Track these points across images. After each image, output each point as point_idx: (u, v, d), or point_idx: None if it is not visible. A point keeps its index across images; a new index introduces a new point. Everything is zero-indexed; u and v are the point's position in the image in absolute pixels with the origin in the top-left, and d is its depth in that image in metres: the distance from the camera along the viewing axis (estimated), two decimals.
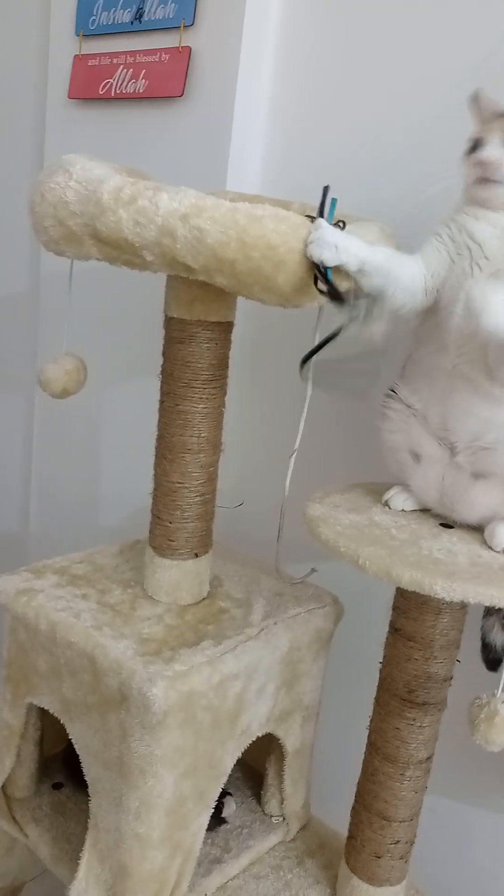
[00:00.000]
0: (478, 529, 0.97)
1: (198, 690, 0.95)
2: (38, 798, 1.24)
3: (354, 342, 0.92)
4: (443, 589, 0.82)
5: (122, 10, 1.45)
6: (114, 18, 1.47)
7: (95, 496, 1.74)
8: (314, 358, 0.96)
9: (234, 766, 1.07)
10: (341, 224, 0.89)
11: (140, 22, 1.43)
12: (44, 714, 1.15)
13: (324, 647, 1.17)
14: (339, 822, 1.18)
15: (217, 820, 1.19)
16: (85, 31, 1.52)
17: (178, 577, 1.12)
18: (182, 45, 1.36)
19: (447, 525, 0.99)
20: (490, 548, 0.93)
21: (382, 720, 1.02)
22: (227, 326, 1.06)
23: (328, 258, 0.84)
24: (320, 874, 1.16)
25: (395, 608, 1.01)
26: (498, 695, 0.91)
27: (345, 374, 1.23)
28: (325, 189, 0.89)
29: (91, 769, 1.04)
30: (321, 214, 0.88)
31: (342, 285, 0.87)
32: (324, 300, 0.88)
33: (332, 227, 0.86)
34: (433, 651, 0.98)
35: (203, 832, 1.06)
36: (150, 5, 1.40)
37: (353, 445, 1.29)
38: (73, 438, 1.76)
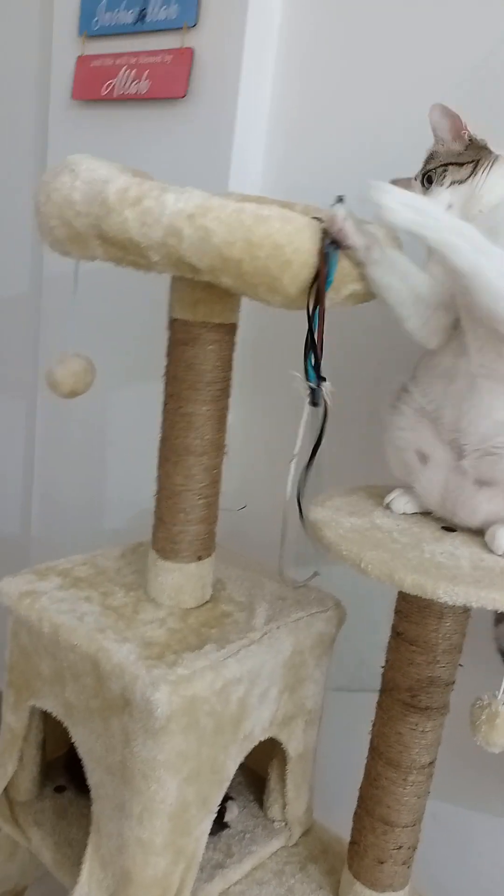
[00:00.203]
0: (480, 533, 0.96)
1: (201, 695, 0.95)
2: (41, 802, 1.24)
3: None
4: (445, 593, 0.82)
5: (124, 11, 1.45)
6: (117, 19, 1.47)
7: (98, 498, 1.74)
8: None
9: (237, 770, 1.06)
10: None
11: (143, 23, 1.42)
12: (46, 717, 1.15)
13: (326, 651, 1.16)
14: (341, 827, 1.18)
15: (219, 825, 1.18)
16: (88, 31, 1.52)
17: (180, 581, 1.11)
18: (185, 46, 1.36)
19: (449, 528, 0.99)
20: (492, 551, 0.92)
21: (385, 724, 1.02)
22: (231, 328, 1.05)
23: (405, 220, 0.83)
24: (323, 879, 1.15)
25: (397, 612, 1.00)
26: (499, 696, 0.90)
27: None
28: (340, 199, 0.90)
29: (93, 774, 1.03)
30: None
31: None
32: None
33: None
34: (436, 655, 0.97)
35: (206, 838, 1.05)
36: (153, 6, 1.39)
37: (356, 448, 1.29)
38: (75, 440, 1.75)
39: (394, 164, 1.20)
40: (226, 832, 1.20)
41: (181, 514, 1.09)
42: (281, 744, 1.15)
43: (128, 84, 1.47)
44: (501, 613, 1.10)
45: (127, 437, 1.65)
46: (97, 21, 1.50)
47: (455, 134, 0.94)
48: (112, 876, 1.01)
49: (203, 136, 1.37)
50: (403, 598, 0.99)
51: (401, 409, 1.01)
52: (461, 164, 0.92)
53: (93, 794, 1.04)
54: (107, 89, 1.50)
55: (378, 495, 1.05)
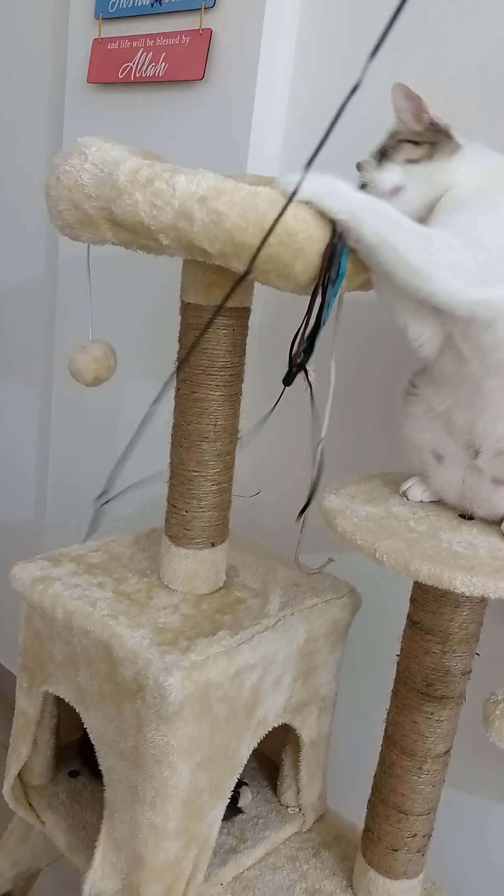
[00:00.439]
0: (498, 522, 0.95)
1: (214, 681, 0.95)
2: (55, 786, 1.24)
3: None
4: (463, 584, 0.81)
5: None
6: (134, 1, 1.45)
7: (111, 485, 1.73)
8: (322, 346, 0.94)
9: (250, 756, 1.06)
10: None
11: (160, 4, 1.41)
12: (60, 702, 1.15)
13: (341, 638, 1.16)
14: (355, 814, 1.18)
15: (233, 810, 1.18)
16: (104, 14, 1.50)
17: (194, 567, 1.11)
18: (202, 27, 1.35)
19: (466, 516, 0.97)
20: None
21: (400, 713, 1.01)
22: (245, 312, 1.04)
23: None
24: (336, 866, 1.15)
25: (413, 601, 0.99)
26: None
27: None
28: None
29: (106, 759, 1.04)
30: None
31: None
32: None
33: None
34: (452, 644, 0.96)
35: (218, 823, 1.05)
36: None
37: (371, 435, 1.27)
38: (89, 426, 1.75)
39: None
40: (239, 817, 1.20)
41: (194, 500, 1.09)
42: (295, 730, 1.15)
43: (145, 67, 1.45)
44: None
45: (139, 423, 1.64)
46: (114, 3, 1.48)
47: (417, 116, 0.91)
48: (125, 860, 1.02)
49: (221, 118, 1.36)
50: (419, 586, 0.98)
51: (412, 411, 0.99)
52: (417, 143, 0.90)
53: (105, 779, 1.04)
54: (123, 72, 1.49)
55: (394, 483, 1.04)
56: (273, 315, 1.32)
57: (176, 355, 1.06)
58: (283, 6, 1.28)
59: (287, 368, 0.93)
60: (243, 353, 1.06)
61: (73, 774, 1.27)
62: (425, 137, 0.90)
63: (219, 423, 1.06)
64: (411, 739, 1.00)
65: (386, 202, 0.84)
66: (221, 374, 1.04)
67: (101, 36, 1.52)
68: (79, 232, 0.94)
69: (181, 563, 1.11)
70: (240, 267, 0.87)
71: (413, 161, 0.89)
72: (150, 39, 1.44)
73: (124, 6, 1.47)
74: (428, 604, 0.96)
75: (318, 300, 0.87)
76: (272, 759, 1.29)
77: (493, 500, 0.94)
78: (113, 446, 1.71)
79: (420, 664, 0.98)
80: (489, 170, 0.89)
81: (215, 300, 1.00)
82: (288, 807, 1.24)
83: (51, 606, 1.05)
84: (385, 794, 1.04)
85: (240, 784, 1.17)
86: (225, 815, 1.06)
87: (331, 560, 1.16)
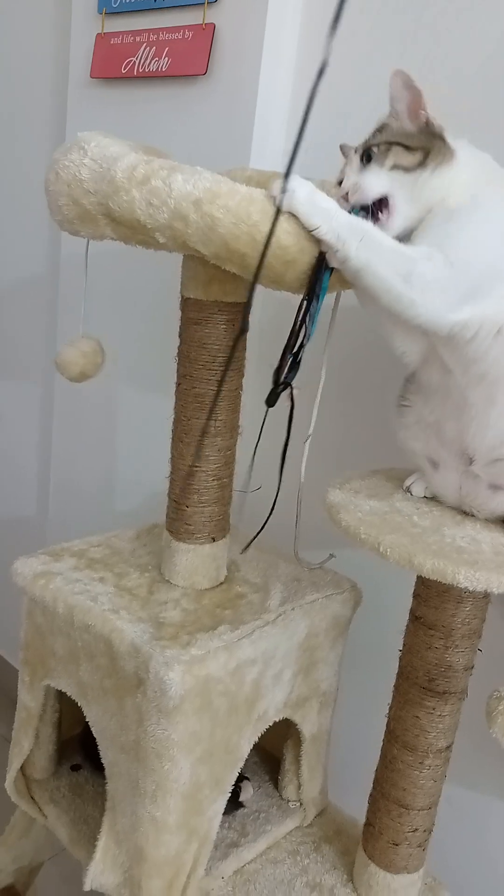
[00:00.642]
0: (502, 518, 0.95)
1: (214, 675, 0.95)
2: (57, 779, 1.25)
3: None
4: (466, 578, 0.81)
5: None
6: None
7: (112, 480, 1.74)
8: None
9: (251, 750, 1.06)
10: None
11: None
12: (61, 696, 1.15)
13: (342, 633, 1.16)
14: (356, 809, 1.18)
15: (234, 804, 1.18)
16: (108, 9, 1.50)
17: (195, 562, 1.11)
18: (206, 22, 1.34)
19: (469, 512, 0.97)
20: None
21: (402, 708, 1.01)
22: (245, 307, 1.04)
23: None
24: (337, 860, 1.15)
25: (415, 596, 0.99)
26: None
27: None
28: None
29: (108, 752, 1.04)
30: None
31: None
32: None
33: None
34: (454, 640, 0.96)
35: (219, 818, 1.06)
36: None
37: (374, 430, 1.27)
38: (91, 422, 1.75)
39: None
40: (240, 811, 1.20)
41: (195, 495, 1.09)
42: (296, 725, 1.15)
43: (148, 62, 1.45)
44: None
45: (140, 419, 1.64)
46: None
47: (412, 111, 0.85)
48: (126, 853, 1.02)
49: (224, 113, 1.36)
50: (422, 581, 0.98)
51: (404, 421, 0.99)
52: (409, 149, 0.84)
53: (107, 772, 1.04)
54: (126, 67, 1.48)
55: (398, 478, 1.04)
56: (273, 311, 1.31)
57: (177, 350, 1.06)
58: (286, 1, 1.28)
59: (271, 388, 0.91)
60: (244, 349, 1.06)
61: (74, 768, 1.27)
62: (419, 142, 0.85)
63: (219, 418, 1.06)
64: (413, 734, 1.00)
65: (371, 223, 0.83)
66: (221, 369, 1.03)
67: (104, 31, 1.52)
68: (78, 227, 0.93)
69: (182, 557, 1.11)
70: (233, 269, 0.87)
71: (403, 168, 0.85)
72: (153, 34, 1.43)
73: (127, 1, 1.47)
74: (431, 599, 0.96)
75: (307, 309, 0.87)
76: (273, 753, 1.29)
77: (491, 504, 0.94)
78: (113, 443, 1.72)
79: (422, 659, 0.98)
80: (479, 177, 0.86)
81: (215, 295, 1.00)
82: (289, 801, 1.24)
83: (52, 601, 1.05)
84: (386, 789, 1.04)
85: (241, 778, 1.17)
86: (226, 809, 1.07)
87: (332, 556, 1.16)
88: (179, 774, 0.96)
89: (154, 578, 1.13)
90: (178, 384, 1.06)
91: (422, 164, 0.84)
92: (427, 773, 1.02)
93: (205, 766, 0.99)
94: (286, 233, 0.82)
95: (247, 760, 1.06)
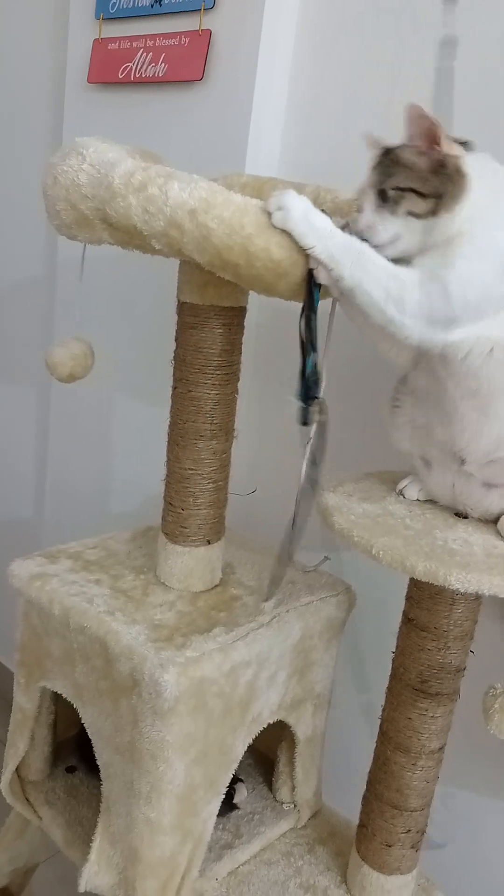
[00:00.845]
0: (493, 520, 0.96)
1: (209, 677, 0.95)
2: (52, 781, 1.25)
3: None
4: (458, 580, 0.82)
5: None
6: (134, 2, 1.46)
7: (108, 483, 1.74)
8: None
9: (246, 752, 1.07)
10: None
11: (160, 5, 1.41)
12: (57, 698, 1.15)
13: (336, 635, 1.16)
14: (349, 810, 1.18)
15: (228, 806, 1.19)
16: (105, 14, 1.51)
17: (190, 564, 1.12)
18: (202, 28, 1.35)
19: (461, 514, 0.98)
20: None
21: (395, 710, 1.02)
22: (240, 311, 1.05)
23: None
24: (331, 861, 1.16)
25: (408, 598, 1.00)
26: None
27: None
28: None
29: (103, 754, 1.04)
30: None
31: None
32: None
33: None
34: (447, 641, 0.97)
35: (213, 819, 1.06)
36: None
37: (367, 433, 1.28)
38: (87, 424, 1.76)
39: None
40: (235, 813, 1.21)
41: (190, 498, 1.10)
42: (290, 727, 1.15)
43: (144, 67, 1.46)
44: None
45: (136, 423, 1.65)
46: (114, 3, 1.49)
47: (427, 144, 0.83)
48: (121, 854, 1.02)
49: (220, 118, 1.37)
50: (415, 584, 0.98)
51: (396, 421, 1.00)
52: (422, 195, 0.83)
53: (102, 773, 1.05)
54: (123, 72, 1.49)
55: (391, 481, 1.05)
56: (269, 314, 1.32)
57: (173, 354, 1.07)
58: (282, 7, 1.29)
59: (301, 405, 0.90)
60: (239, 353, 1.07)
61: (69, 770, 1.27)
62: (431, 187, 0.83)
63: (215, 421, 1.06)
64: (406, 736, 1.01)
65: (366, 244, 0.83)
66: (217, 373, 1.04)
67: (102, 36, 1.53)
68: (75, 232, 0.94)
69: (177, 560, 1.12)
70: (227, 277, 0.88)
71: (415, 215, 0.83)
72: (149, 40, 1.44)
73: (124, 7, 1.48)
74: (423, 601, 0.97)
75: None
76: (267, 755, 1.29)
77: (485, 502, 0.95)
78: (108, 445, 1.72)
79: (415, 661, 0.99)
80: (490, 204, 0.84)
81: (210, 299, 1.01)
82: (283, 803, 1.24)
83: (48, 603, 1.06)
84: (379, 790, 1.05)
85: (235, 780, 1.17)
86: (220, 810, 1.07)
87: (326, 558, 1.17)
88: (174, 776, 0.97)
89: (149, 580, 1.13)
90: (174, 388, 1.07)
91: (433, 211, 0.83)
92: (420, 775, 1.02)
93: (199, 768, 0.99)
94: (279, 246, 0.83)
95: (241, 762, 1.07)
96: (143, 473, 1.63)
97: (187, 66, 1.38)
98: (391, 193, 0.84)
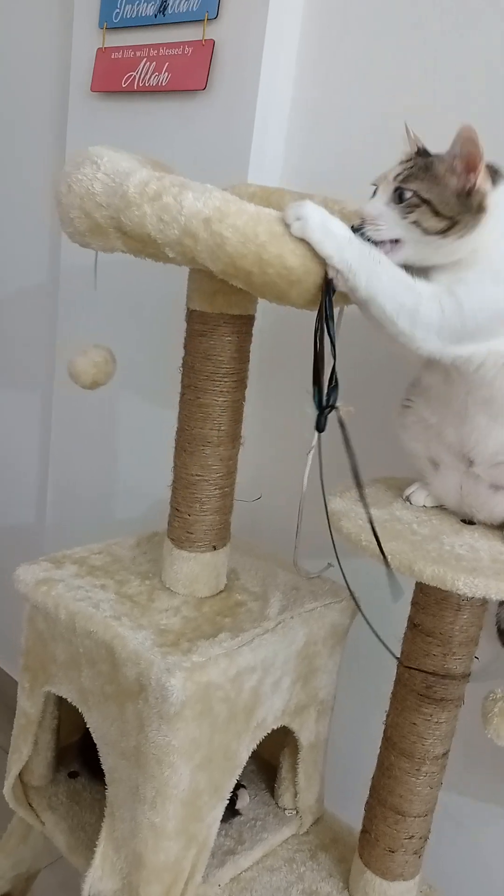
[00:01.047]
0: (499, 526, 0.97)
1: (215, 682, 0.96)
2: (55, 786, 1.25)
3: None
4: (465, 585, 0.83)
5: (145, 4, 1.45)
6: (137, 11, 1.47)
7: (111, 488, 1.75)
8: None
9: (248, 758, 1.07)
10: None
11: (164, 15, 1.43)
12: (60, 703, 1.16)
13: (340, 641, 1.17)
14: (352, 817, 1.19)
15: (231, 812, 1.19)
16: (108, 24, 1.52)
17: (195, 570, 1.12)
18: (205, 38, 1.36)
19: (467, 521, 0.99)
20: None
21: (399, 715, 1.03)
22: (249, 319, 1.06)
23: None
24: (333, 868, 1.16)
25: (414, 604, 1.01)
26: None
27: None
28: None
29: (108, 759, 1.04)
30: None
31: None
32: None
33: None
34: (452, 647, 0.98)
35: (217, 824, 1.06)
36: None
37: (375, 439, 1.29)
38: (89, 430, 1.77)
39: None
40: (237, 819, 1.21)
41: (197, 503, 1.10)
42: (293, 733, 1.16)
43: (148, 76, 1.47)
44: None
45: (139, 428, 1.65)
46: (118, 13, 1.50)
47: (464, 168, 0.82)
48: (125, 859, 1.02)
49: (223, 127, 1.38)
50: (421, 589, 0.99)
51: (406, 422, 1.01)
52: (437, 214, 0.82)
53: (107, 778, 1.05)
54: (126, 81, 1.50)
55: (397, 487, 1.06)
56: (274, 321, 1.33)
57: (181, 361, 1.08)
58: (285, 18, 1.30)
59: (317, 412, 0.90)
60: (247, 360, 1.08)
61: (72, 775, 1.27)
62: (450, 210, 0.82)
63: (222, 428, 1.07)
64: (410, 741, 1.02)
65: (382, 254, 0.84)
66: (225, 380, 1.05)
67: (105, 45, 1.54)
68: (89, 240, 0.95)
69: (183, 565, 1.12)
70: (239, 285, 0.89)
71: (422, 228, 0.83)
72: (153, 49, 1.45)
73: (128, 16, 1.49)
74: (429, 606, 0.97)
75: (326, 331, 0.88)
76: (270, 761, 1.30)
77: (491, 504, 0.96)
78: (112, 450, 1.73)
79: (420, 666, 0.99)
80: None
81: (220, 307, 1.02)
82: (285, 809, 1.25)
83: (54, 607, 1.06)
84: (383, 796, 1.05)
85: (238, 786, 1.18)
86: (223, 816, 1.07)
87: (330, 565, 1.17)
88: (179, 781, 0.97)
89: (154, 586, 1.14)
90: (183, 394, 1.07)
91: (443, 233, 0.82)
92: (424, 780, 1.03)
93: (204, 773, 1.00)
94: (292, 254, 0.84)
95: (243, 768, 1.07)
96: (147, 478, 1.63)
97: (190, 75, 1.40)
98: (408, 196, 0.83)
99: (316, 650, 1.12)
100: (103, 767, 1.05)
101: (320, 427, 0.90)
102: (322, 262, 0.84)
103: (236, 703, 1.01)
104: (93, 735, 1.06)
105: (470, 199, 0.82)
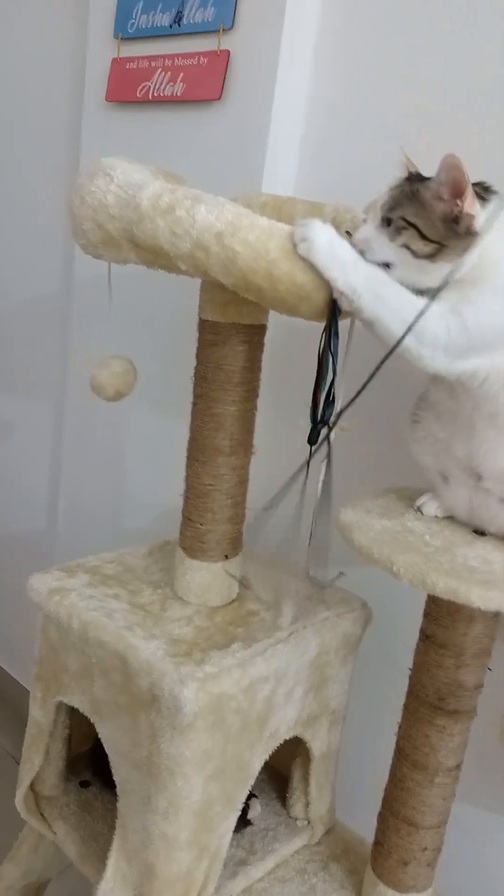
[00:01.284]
0: None
1: (228, 693, 0.96)
2: (66, 796, 1.25)
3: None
4: (479, 598, 0.82)
5: (160, 14, 1.46)
6: (153, 22, 1.48)
7: (121, 497, 1.75)
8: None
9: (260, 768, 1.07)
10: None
11: (179, 25, 1.43)
12: (72, 713, 1.16)
13: (352, 651, 1.17)
14: (363, 827, 1.18)
15: (242, 822, 1.19)
16: (123, 34, 1.53)
17: (208, 579, 1.12)
18: (221, 48, 1.37)
19: (480, 532, 0.98)
20: None
21: (412, 727, 1.02)
22: (261, 329, 1.06)
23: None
24: (345, 879, 1.16)
25: (426, 615, 1.00)
26: None
27: None
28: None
29: (120, 769, 1.04)
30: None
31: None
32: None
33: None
34: (465, 659, 0.97)
35: (230, 835, 1.06)
36: (190, 9, 1.40)
37: (386, 450, 1.29)
38: (101, 440, 1.77)
39: (431, 168, 1.20)
40: (249, 829, 1.21)
41: (209, 513, 1.10)
42: (305, 743, 1.15)
43: (163, 86, 1.47)
44: None
45: (150, 437, 1.66)
46: (133, 23, 1.51)
47: (450, 194, 0.82)
48: (137, 870, 1.02)
49: (237, 138, 1.38)
50: (433, 600, 0.99)
51: (416, 435, 1.01)
52: (424, 238, 0.83)
53: (119, 789, 1.05)
54: (141, 91, 1.51)
55: (409, 498, 1.05)
56: (286, 331, 1.33)
57: (193, 371, 1.08)
58: (300, 29, 1.31)
59: (311, 427, 0.92)
60: (259, 369, 1.08)
61: (83, 785, 1.27)
62: (437, 234, 0.83)
63: (234, 437, 1.07)
64: (423, 753, 1.01)
65: (387, 276, 0.85)
66: (237, 389, 1.05)
67: (120, 55, 1.54)
68: (101, 251, 0.95)
69: (195, 575, 1.12)
70: (251, 298, 0.89)
71: (411, 252, 0.84)
72: (168, 59, 1.46)
73: (143, 27, 1.50)
74: (442, 618, 0.97)
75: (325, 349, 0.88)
76: (281, 771, 1.29)
77: (501, 517, 0.95)
78: (123, 460, 1.73)
79: (433, 678, 0.99)
80: None
81: (231, 317, 1.02)
82: (297, 819, 1.24)
83: (67, 617, 1.06)
84: (396, 808, 1.05)
85: (249, 796, 1.17)
86: (235, 827, 1.07)
87: (342, 574, 1.17)
88: (191, 791, 0.97)
89: (167, 595, 1.14)
90: (195, 404, 1.08)
91: (431, 256, 0.83)
92: (436, 792, 1.02)
93: (216, 783, 0.99)
94: (302, 271, 0.84)
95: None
96: (157, 488, 1.63)
97: (205, 85, 1.40)
98: (395, 221, 0.84)
99: (328, 660, 1.12)
100: (115, 778, 1.05)
101: (312, 440, 0.92)
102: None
103: (249, 714, 1.00)
104: (105, 745, 1.06)
105: (458, 224, 0.83)
